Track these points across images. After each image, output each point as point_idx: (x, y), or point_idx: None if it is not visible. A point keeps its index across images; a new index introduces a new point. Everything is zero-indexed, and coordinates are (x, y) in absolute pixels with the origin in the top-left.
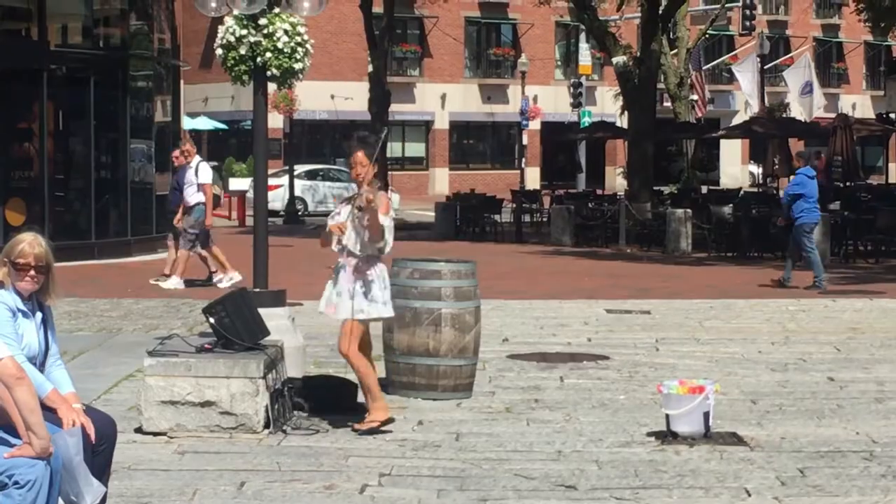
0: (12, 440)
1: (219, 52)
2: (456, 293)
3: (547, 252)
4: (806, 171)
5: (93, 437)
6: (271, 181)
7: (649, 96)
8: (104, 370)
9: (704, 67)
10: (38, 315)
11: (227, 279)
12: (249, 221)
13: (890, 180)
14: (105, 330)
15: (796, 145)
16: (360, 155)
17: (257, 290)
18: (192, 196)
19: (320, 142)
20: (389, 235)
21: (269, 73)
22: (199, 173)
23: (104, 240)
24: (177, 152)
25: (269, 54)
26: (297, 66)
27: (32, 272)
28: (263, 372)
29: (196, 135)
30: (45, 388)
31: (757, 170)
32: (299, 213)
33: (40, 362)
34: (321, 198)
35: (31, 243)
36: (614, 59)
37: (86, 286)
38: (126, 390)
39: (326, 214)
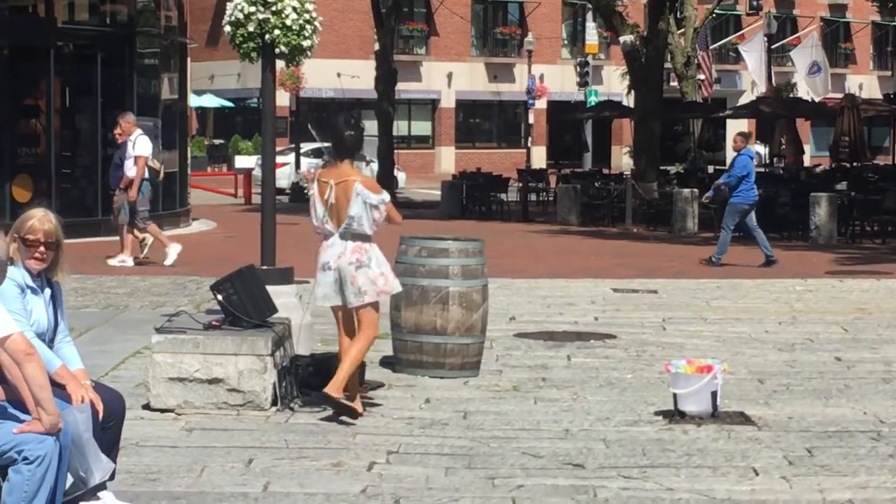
0: (21, 416)
1: (227, 29)
2: (464, 271)
3: (553, 231)
4: (748, 151)
5: (101, 413)
6: (278, 159)
7: (656, 76)
8: (111, 347)
9: (711, 47)
10: (47, 292)
11: (118, 260)
12: (256, 199)
13: None
14: (112, 307)
15: (803, 126)
16: None
17: (265, 267)
18: (132, 170)
19: (326, 120)
20: None
21: (277, 50)
22: (136, 146)
23: (110, 217)
24: (118, 129)
25: (277, 31)
26: (306, 43)
27: (42, 248)
28: (271, 349)
29: (202, 112)
30: (54, 364)
31: (763, 150)
32: (305, 191)
33: (49, 339)
34: None
35: (41, 219)
36: (621, 39)
37: (92, 263)
38: (133, 367)
39: None
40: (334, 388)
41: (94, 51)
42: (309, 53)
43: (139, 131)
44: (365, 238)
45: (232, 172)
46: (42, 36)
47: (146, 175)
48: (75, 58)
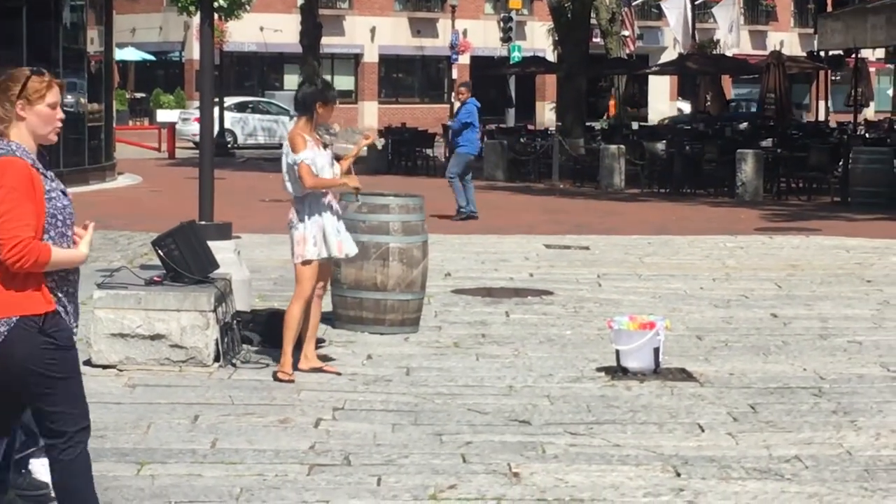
0: None
1: None
2: (404, 227)
3: (480, 187)
4: (473, 101)
5: None
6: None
7: (582, 31)
8: None
9: (634, 3)
10: None
11: None
12: (179, 154)
13: (819, 118)
14: None
15: (726, 82)
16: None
17: (203, 222)
18: None
19: (249, 74)
20: None
21: (216, 4)
22: None
23: None
24: None
25: None
26: None
27: None
28: (214, 305)
29: (123, 65)
30: None
31: (686, 106)
32: (229, 146)
33: None
34: (251, 130)
35: None
36: None
37: None
38: None
39: (256, 147)
40: (278, 368)
41: (19, 3)
42: (248, 7)
43: None
44: (297, 198)
45: (154, 126)
46: None
47: None
48: (0, 11)
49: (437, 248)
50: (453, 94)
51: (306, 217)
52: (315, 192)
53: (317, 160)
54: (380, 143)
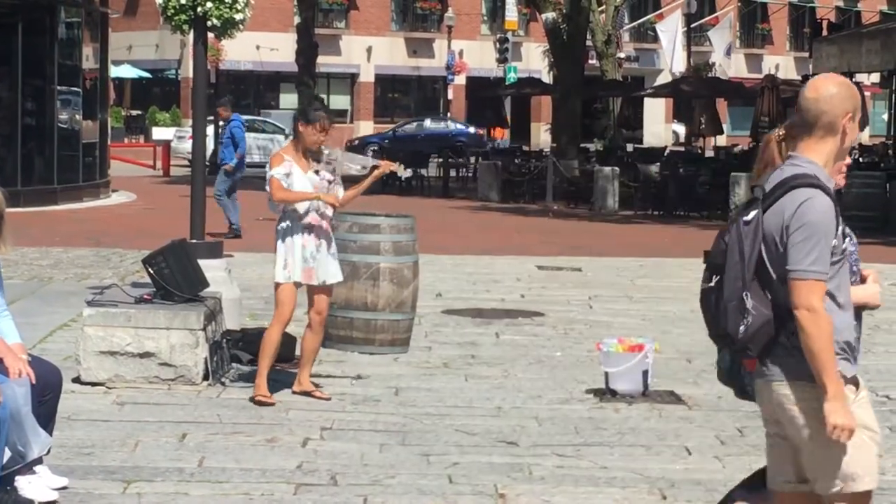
0: None
1: (159, 0)
2: (395, 247)
3: (474, 207)
4: (238, 118)
5: (37, 387)
6: None
7: (578, 53)
8: (37, 319)
9: (627, 26)
10: None
11: None
12: (174, 171)
13: None
14: (36, 278)
15: (721, 105)
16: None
17: (194, 241)
18: None
19: (245, 93)
20: None
21: (209, 23)
22: None
23: (29, 187)
24: None
25: (209, 4)
26: (238, 16)
27: None
28: (203, 324)
29: (119, 83)
30: None
31: (681, 129)
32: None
33: None
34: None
35: None
36: (544, 16)
37: (12, 234)
38: (61, 340)
39: (251, 165)
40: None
41: (15, 20)
42: (241, 27)
43: None
44: (279, 217)
45: (150, 144)
46: None
47: None
48: None
49: (429, 268)
50: (221, 113)
51: (281, 238)
52: (291, 211)
53: (294, 178)
54: (403, 171)
